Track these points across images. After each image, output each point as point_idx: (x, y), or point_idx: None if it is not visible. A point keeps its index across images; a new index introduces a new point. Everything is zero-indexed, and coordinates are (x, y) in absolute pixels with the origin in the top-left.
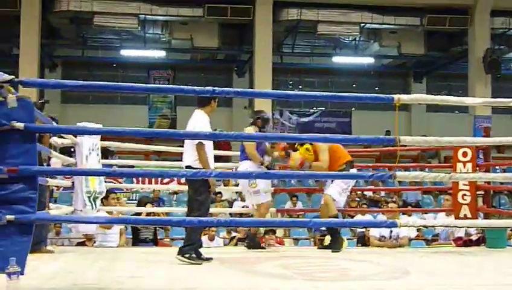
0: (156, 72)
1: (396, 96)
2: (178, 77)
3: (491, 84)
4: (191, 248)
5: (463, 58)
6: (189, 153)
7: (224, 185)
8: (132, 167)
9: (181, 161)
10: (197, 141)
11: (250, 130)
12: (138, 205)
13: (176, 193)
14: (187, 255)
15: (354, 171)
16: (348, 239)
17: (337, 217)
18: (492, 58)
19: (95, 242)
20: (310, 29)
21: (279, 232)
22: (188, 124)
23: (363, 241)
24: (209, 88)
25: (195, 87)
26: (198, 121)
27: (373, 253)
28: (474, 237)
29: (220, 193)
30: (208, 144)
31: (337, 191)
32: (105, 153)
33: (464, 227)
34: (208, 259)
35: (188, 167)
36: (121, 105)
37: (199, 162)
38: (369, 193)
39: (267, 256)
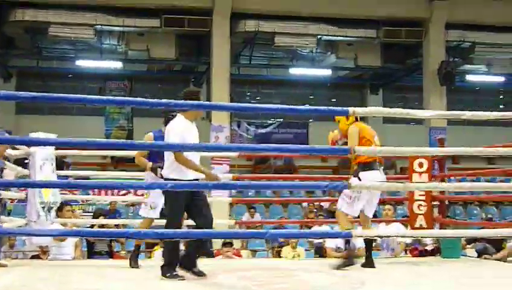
0: (113, 83)
1: (351, 109)
2: (135, 88)
3: (446, 96)
4: (169, 267)
5: (418, 70)
6: (166, 163)
7: None
8: (87, 178)
9: (139, 171)
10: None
11: (150, 136)
12: (93, 218)
13: (132, 205)
14: (168, 275)
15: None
16: (305, 250)
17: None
18: (447, 71)
19: (49, 255)
20: (267, 41)
21: (237, 244)
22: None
23: (321, 252)
24: (165, 101)
25: (151, 100)
26: (174, 127)
27: (330, 264)
28: (429, 247)
29: None
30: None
31: (345, 203)
32: (61, 164)
33: (418, 237)
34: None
35: (166, 179)
36: (77, 116)
37: (174, 173)
38: (326, 204)
39: (225, 268)
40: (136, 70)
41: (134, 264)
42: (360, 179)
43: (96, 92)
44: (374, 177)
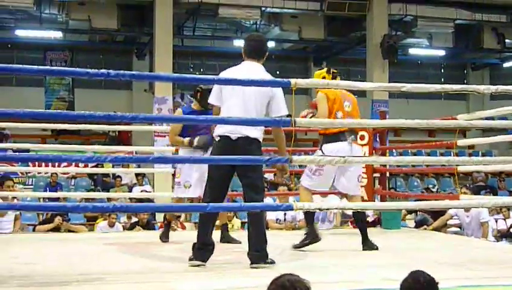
0: (53, 54)
1: (293, 81)
2: (76, 58)
3: (389, 69)
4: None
5: (362, 44)
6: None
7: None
8: (28, 150)
9: (79, 144)
10: (285, 110)
11: (179, 112)
12: None
13: (74, 177)
14: (269, 261)
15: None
16: (244, 223)
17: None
18: (390, 44)
19: None
20: (211, 12)
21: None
22: (247, 77)
23: None
24: (104, 70)
25: (89, 70)
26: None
27: (272, 235)
28: (370, 219)
29: (119, 177)
30: None
31: (306, 176)
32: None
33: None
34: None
35: (252, 139)
36: (17, 87)
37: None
38: (270, 176)
39: (170, 240)
40: (77, 41)
41: (164, 238)
42: (323, 153)
43: (37, 62)
44: (338, 150)
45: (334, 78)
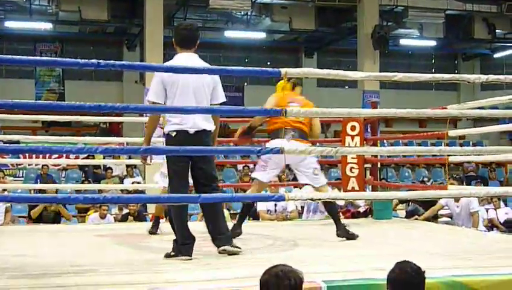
0: (43, 45)
1: (283, 70)
2: (66, 50)
3: (380, 60)
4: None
5: (353, 34)
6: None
7: None
8: (18, 142)
9: (69, 135)
10: (223, 97)
11: None
12: None
13: (65, 169)
14: (235, 245)
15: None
16: (234, 214)
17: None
18: (380, 35)
19: None
20: (201, 3)
21: None
22: (188, 67)
23: (255, 215)
24: (94, 61)
25: (79, 60)
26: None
27: (264, 226)
28: (362, 209)
29: (110, 168)
30: None
31: (258, 169)
32: None
33: (350, 199)
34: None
35: (208, 132)
36: (7, 79)
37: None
38: None
39: (162, 231)
40: (68, 32)
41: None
42: None
43: (27, 54)
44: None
45: (294, 86)
